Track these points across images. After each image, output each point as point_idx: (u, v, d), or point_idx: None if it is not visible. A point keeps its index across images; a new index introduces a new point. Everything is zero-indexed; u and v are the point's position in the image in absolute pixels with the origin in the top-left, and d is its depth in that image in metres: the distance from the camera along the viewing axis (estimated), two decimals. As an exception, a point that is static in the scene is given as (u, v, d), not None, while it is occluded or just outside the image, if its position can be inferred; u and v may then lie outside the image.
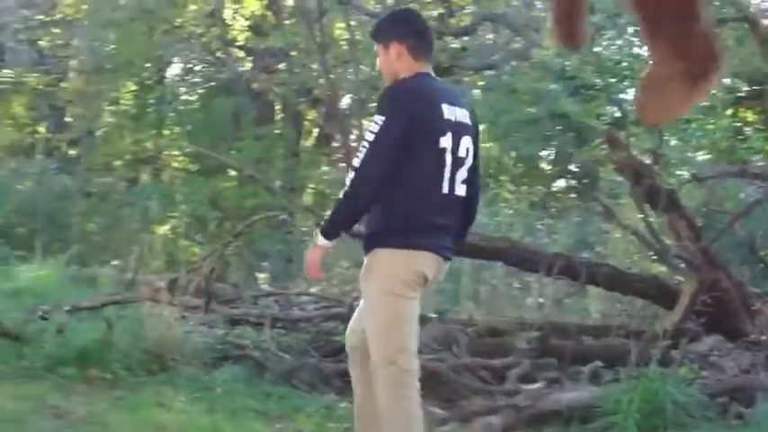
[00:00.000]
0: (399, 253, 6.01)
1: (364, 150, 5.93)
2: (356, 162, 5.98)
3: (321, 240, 6.15)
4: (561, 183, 21.14)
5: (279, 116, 28.14)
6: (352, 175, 5.98)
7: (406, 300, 6.03)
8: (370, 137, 5.94)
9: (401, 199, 6.01)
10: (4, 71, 30.69)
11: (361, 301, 6.35)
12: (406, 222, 6.09)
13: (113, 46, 27.45)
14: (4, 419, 7.30)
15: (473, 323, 11.59)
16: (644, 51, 18.41)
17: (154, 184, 26.83)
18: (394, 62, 6.20)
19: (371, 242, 6.15)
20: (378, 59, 6.42)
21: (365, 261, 6.20)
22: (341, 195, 6.09)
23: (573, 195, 19.79)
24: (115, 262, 16.17)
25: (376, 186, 5.93)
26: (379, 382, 6.00)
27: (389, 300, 5.98)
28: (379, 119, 5.99)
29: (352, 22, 25.49)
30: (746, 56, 15.94)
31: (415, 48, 6.20)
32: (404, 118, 5.94)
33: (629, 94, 17.51)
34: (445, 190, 6.02)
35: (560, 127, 18.11)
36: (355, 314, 6.54)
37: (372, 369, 6.03)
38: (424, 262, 6.02)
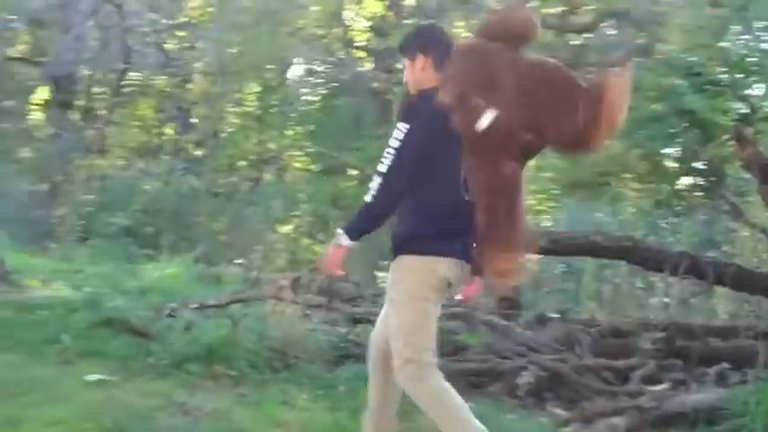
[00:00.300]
0: (427, 259, 6.11)
1: (389, 157, 6.13)
2: (381, 168, 6.14)
3: (344, 240, 6.21)
4: (686, 180, 20.92)
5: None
6: (376, 180, 6.18)
7: (433, 304, 6.16)
8: (395, 144, 6.12)
9: (425, 206, 6.19)
10: (132, 74, 31.05)
11: (386, 305, 6.38)
12: (431, 229, 6.20)
13: (237, 48, 27.65)
14: (133, 415, 7.33)
15: (596, 323, 11.47)
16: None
17: (277, 184, 26.99)
18: (419, 74, 6.36)
19: (399, 249, 6.26)
20: (404, 72, 6.55)
21: (392, 266, 6.30)
22: (366, 199, 6.21)
23: (699, 193, 19.56)
24: (240, 261, 16.23)
25: (398, 197, 6.16)
26: (407, 383, 6.16)
27: (419, 304, 6.11)
28: (404, 127, 6.14)
29: (473, 21, 25.54)
30: None
31: (439, 60, 6.27)
32: (426, 128, 6.08)
33: (757, 90, 17.35)
34: (462, 195, 6.11)
35: (686, 124, 17.89)
36: (380, 318, 6.60)
37: (395, 373, 6.15)
38: (449, 267, 6.13)
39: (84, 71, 32.21)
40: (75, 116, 30.55)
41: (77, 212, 22.10)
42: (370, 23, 28.37)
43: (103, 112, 31.16)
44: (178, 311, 10.49)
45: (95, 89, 32.23)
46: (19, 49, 33.59)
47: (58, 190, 24.99)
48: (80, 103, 31.69)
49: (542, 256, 13.58)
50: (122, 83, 31.12)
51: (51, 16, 31.40)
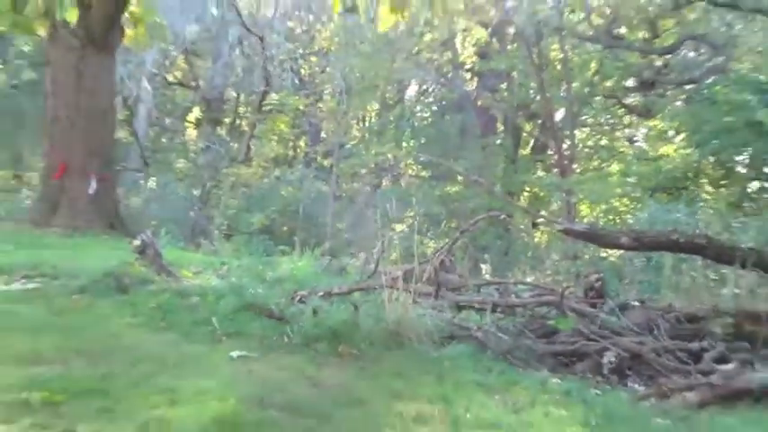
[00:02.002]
0: None
1: None
2: None
3: None
4: (755, 184, 20.64)
5: (500, 129, 28.08)
6: None
7: None
8: None
9: None
10: (271, 95, 31.29)
11: None
12: None
13: (360, 72, 27.75)
14: (270, 387, 7.39)
15: (672, 310, 11.38)
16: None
17: (393, 189, 27.03)
18: None
19: None
20: None
21: None
22: None
23: (766, 196, 19.29)
24: (360, 255, 16.25)
25: None
26: None
27: None
28: None
29: (566, 46, 25.35)
30: None
31: None
32: None
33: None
34: None
35: (755, 134, 17.68)
36: None
37: None
38: None
39: (232, 93, 32.57)
40: (223, 132, 30.88)
41: (224, 214, 22.30)
42: (475, 48, 28.29)
43: (247, 128, 31.46)
44: (308, 298, 10.53)
45: (240, 108, 32.55)
46: (177, 75, 33.97)
47: (208, 195, 25.27)
48: (227, 120, 32.03)
49: (627, 251, 13.52)
50: (263, 103, 31.40)
51: (204, 47, 31.76)
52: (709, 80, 19.12)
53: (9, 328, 8.87)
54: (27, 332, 8.65)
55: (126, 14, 17.10)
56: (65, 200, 17.07)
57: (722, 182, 21.11)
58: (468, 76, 28.73)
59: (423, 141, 29.08)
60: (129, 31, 17.69)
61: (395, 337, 9.52)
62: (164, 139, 32.01)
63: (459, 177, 24.63)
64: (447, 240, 14.57)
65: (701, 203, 19.38)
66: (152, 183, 25.98)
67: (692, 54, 24.63)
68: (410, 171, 28.64)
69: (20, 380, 6.84)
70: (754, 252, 11.73)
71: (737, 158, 19.99)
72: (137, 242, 11.83)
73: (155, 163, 29.13)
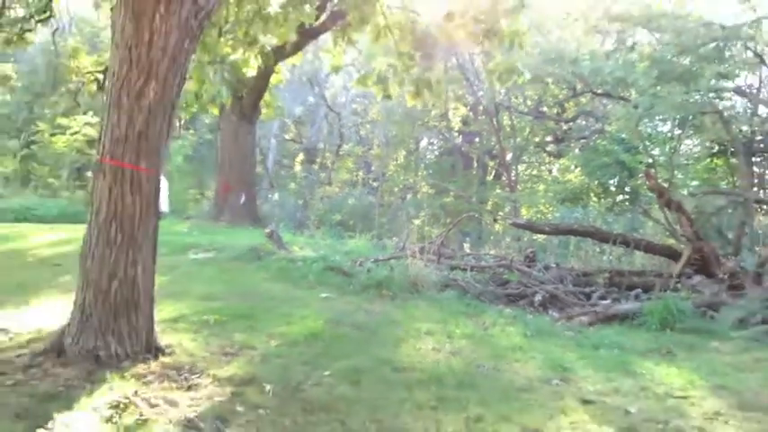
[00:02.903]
0: None
1: None
2: None
3: None
4: (620, 197, 20.50)
5: (475, 165, 27.98)
6: None
7: None
8: None
9: None
10: (344, 146, 31.33)
11: None
12: None
13: (395, 131, 27.85)
14: (342, 312, 7.43)
15: (574, 269, 11.41)
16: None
17: (413, 200, 26.98)
18: None
19: None
20: None
21: None
22: None
23: (627, 204, 19.23)
24: (394, 238, 16.26)
25: None
26: None
27: None
28: None
29: (513, 117, 25.28)
30: (716, 131, 15.39)
31: None
32: None
33: (656, 150, 17.10)
34: None
35: (620, 168, 17.67)
36: None
37: None
38: None
39: (320, 145, 32.62)
40: (316, 167, 30.89)
41: (316, 214, 22.34)
42: (460, 118, 28.22)
43: (329, 165, 31.43)
44: (364, 263, 10.55)
45: (326, 154, 32.54)
46: (290, 135, 34.08)
47: (307, 203, 25.24)
48: (318, 160, 32.06)
49: (549, 235, 13.56)
50: (339, 150, 31.36)
51: (305, 119, 31.86)
52: (594, 137, 19.01)
53: (196, 279, 8.97)
54: (206, 281, 8.75)
55: (262, 102, 17.21)
56: (227, 206, 17.22)
57: (602, 195, 21.00)
58: (456, 134, 28.60)
59: (430, 172, 29.06)
60: (263, 111, 17.82)
61: (414, 286, 9.51)
62: (282, 172, 32.05)
63: (452, 193, 24.53)
64: (444, 229, 14.57)
65: (590, 208, 19.28)
66: (275, 196, 26.04)
67: (583, 122, 24.49)
68: (423, 189, 28.56)
69: (201, 309, 6.94)
70: (621, 235, 11.78)
71: (611, 182, 19.89)
72: (267, 230, 11.90)
73: (277, 185, 29.21)
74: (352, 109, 31.92)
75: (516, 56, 9.72)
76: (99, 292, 4.87)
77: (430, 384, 5.15)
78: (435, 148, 31.19)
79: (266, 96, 17.33)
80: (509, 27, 9.43)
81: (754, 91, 17.60)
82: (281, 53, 13.08)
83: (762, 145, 17.29)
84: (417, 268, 9.98)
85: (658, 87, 14.35)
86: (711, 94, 15.91)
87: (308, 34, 14.54)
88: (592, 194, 21.36)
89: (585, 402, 5.11)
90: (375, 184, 29.52)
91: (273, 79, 16.91)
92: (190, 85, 10.84)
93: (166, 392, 4.41)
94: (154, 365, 4.86)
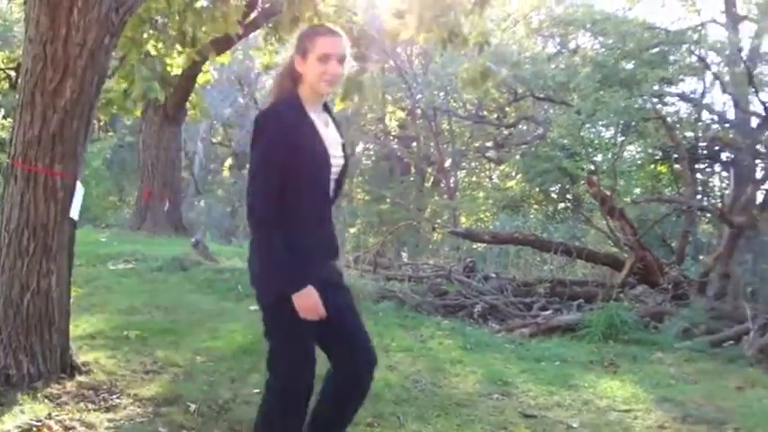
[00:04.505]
0: None
1: None
2: None
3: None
4: (562, 204, 20.89)
5: (413, 171, 28.17)
6: None
7: None
8: None
9: None
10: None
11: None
12: None
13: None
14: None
15: (515, 279, 11.53)
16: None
17: (348, 207, 27.01)
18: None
19: None
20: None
21: None
22: None
23: (569, 211, 19.55)
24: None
25: None
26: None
27: None
28: None
29: (452, 121, 25.50)
30: (660, 137, 15.76)
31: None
32: None
33: (598, 157, 17.41)
34: None
35: (562, 175, 17.97)
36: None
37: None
38: None
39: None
40: (245, 172, 30.71)
41: (245, 222, 22.23)
42: (397, 122, 28.39)
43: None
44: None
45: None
46: (217, 139, 33.82)
47: (235, 211, 25.11)
48: (248, 166, 31.90)
49: (488, 244, 13.70)
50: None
51: (235, 121, 31.60)
52: (536, 143, 19.32)
53: (116, 291, 8.81)
54: (126, 294, 8.59)
55: (188, 102, 17.04)
56: (149, 214, 16.98)
57: (543, 203, 21.33)
58: (393, 138, 28.77)
59: (366, 178, 29.14)
60: (189, 112, 17.64)
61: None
62: (209, 177, 31.79)
63: (388, 200, 24.65)
64: (381, 238, 14.62)
65: (531, 216, 19.57)
66: (202, 203, 25.81)
67: (525, 127, 24.89)
68: (358, 196, 28.63)
69: (121, 323, 6.82)
70: (562, 244, 11.97)
71: (552, 189, 20.23)
72: (192, 240, 11.79)
73: (204, 192, 28.94)
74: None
75: (483, 58, 9.67)
76: (9, 306, 4.74)
77: (366, 401, 5.16)
78: (371, 153, 31.29)
79: (193, 97, 17.14)
80: (474, 27, 9.40)
81: (698, 96, 18.11)
82: (218, 48, 12.92)
83: (706, 151, 17.79)
84: (352, 279, 9.99)
85: (601, 92, 14.66)
86: (655, 100, 16.33)
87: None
88: (533, 202, 21.67)
89: (527, 417, 5.19)
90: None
91: (201, 79, 16.72)
92: (113, 83, 10.70)
93: (83, 414, 4.33)
94: (69, 385, 4.75)
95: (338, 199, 3.43)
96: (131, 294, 8.63)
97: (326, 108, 3.34)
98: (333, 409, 3.45)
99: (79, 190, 4.83)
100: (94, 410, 4.42)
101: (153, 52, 10.02)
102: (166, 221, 16.92)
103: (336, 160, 3.21)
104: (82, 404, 4.48)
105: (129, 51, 9.30)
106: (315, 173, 3.13)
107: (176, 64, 11.50)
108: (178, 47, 10.08)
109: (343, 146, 3.31)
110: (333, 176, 3.22)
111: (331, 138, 3.23)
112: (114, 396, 4.71)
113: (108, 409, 4.47)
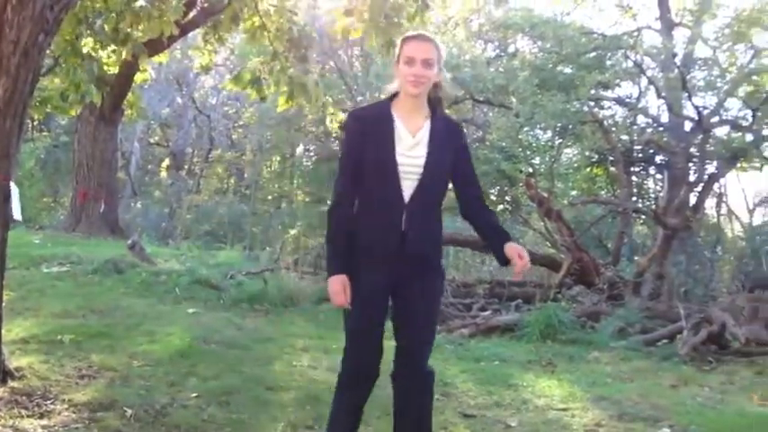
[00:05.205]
0: None
1: None
2: None
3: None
4: (500, 207, 21.07)
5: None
6: None
7: None
8: None
9: None
10: (213, 152, 30.97)
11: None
12: None
13: (269, 137, 27.64)
14: (211, 330, 7.34)
15: (454, 280, 11.61)
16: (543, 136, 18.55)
17: (288, 209, 26.89)
18: None
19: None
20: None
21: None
22: None
23: (508, 212, 19.71)
24: (268, 249, 16.17)
25: None
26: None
27: None
28: None
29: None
30: (596, 140, 15.96)
31: None
32: None
33: (536, 159, 17.58)
34: None
35: (501, 177, 18.08)
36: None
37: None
38: None
39: (189, 150, 32.09)
40: (183, 174, 30.38)
41: (183, 224, 21.97)
42: (338, 124, 28.36)
43: (198, 171, 31.00)
44: (235, 275, 10.47)
45: (195, 159, 32.08)
46: (155, 139, 33.41)
47: (173, 212, 24.86)
48: (186, 166, 31.54)
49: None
50: (208, 156, 30.98)
51: (173, 121, 31.27)
52: (475, 145, 19.42)
53: (49, 294, 8.64)
54: (60, 298, 8.43)
55: (125, 102, 16.77)
56: (84, 215, 16.67)
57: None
58: (334, 140, 28.74)
59: (306, 179, 29.06)
60: (126, 112, 17.37)
61: (289, 299, 9.51)
62: (146, 178, 31.39)
63: (329, 201, 24.62)
64: (321, 239, 14.60)
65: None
66: (139, 205, 25.45)
67: (464, 130, 25.05)
68: (299, 198, 28.51)
69: (55, 327, 6.69)
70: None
71: (491, 191, 20.40)
72: (129, 242, 11.62)
73: (141, 193, 28.55)
74: (223, 112, 31.52)
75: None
76: (-62, 309, 4.63)
77: (305, 403, 5.16)
78: (312, 154, 31.22)
79: (130, 96, 16.87)
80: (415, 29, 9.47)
81: (634, 100, 18.44)
82: (153, 48, 12.73)
83: (641, 155, 18.15)
84: (293, 281, 9.98)
85: (539, 95, 14.81)
86: (592, 103, 16.57)
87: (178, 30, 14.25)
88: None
89: (466, 417, 5.25)
90: (247, 192, 29.26)
91: (138, 78, 16.47)
92: (48, 82, 10.48)
93: (16, 421, 4.24)
94: (2, 391, 4.65)
95: (440, 201, 3.58)
96: (65, 298, 8.47)
97: (435, 112, 3.50)
98: (395, 404, 3.63)
99: (14, 190, 4.73)
100: (28, 416, 4.34)
101: (88, 51, 9.87)
102: (102, 223, 16.63)
103: (410, 160, 3.36)
104: (15, 410, 4.39)
105: (66, 54, 9.14)
106: (380, 170, 3.35)
107: (112, 63, 11.34)
108: (112, 46, 9.95)
109: (434, 151, 3.40)
110: (406, 176, 3.36)
111: (411, 141, 3.39)
112: (48, 402, 4.62)
113: (42, 415, 4.39)
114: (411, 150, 3.37)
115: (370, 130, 3.38)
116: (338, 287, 3.40)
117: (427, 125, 3.44)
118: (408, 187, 3.35)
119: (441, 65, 3.44)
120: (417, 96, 3.40)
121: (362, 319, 3.49)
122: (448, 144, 3.48)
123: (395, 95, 3.49)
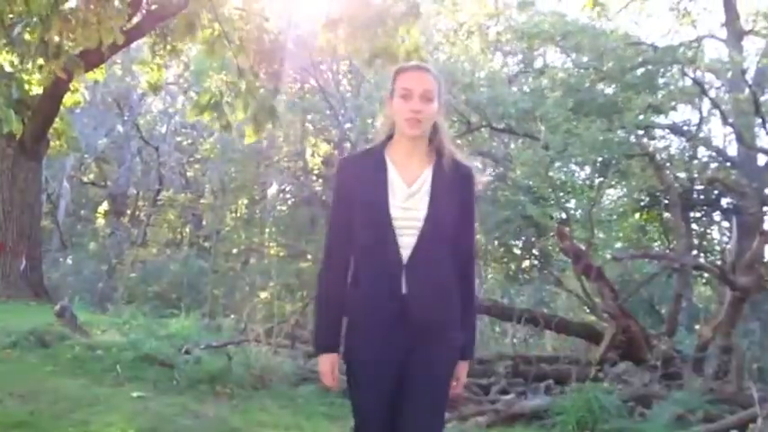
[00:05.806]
0: None
1: None
2: None
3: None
4: (527, 262, 21.15)
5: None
6: None
7: None
8: None
9: None
10: (164, 193, 31.05)
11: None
12: None
13: (233, 174, 27.68)
14: (161, 419, 7.37)
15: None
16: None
17: (258, 265, 26.91)
18: None
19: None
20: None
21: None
22: None
23: (536, 269, 19.76)
24: (232, 316, 16.19)
25: None
26: None
27: None
28: None
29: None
30: (647, 178, 15.91)
31: None
32: None
33: (571, 203, 17.59)
34: None
35: (527, 224, 18.11)
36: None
37: None
38: None
39: (133, 191, 32.20)
40: (125, 221, 30.44)
41: (126, 285, 21.98)
42: (321, 158, 28.50)
43: (144, 218, 31.08)
44: (192, 350, 10.49)
45: (139, 203, 32.18)
46: (90, 177, 33.52)
47: (113, 270, 24.89)
48: (129, 212, 31.62)
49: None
50: (157, 199, 31.07)
51: (111, 155, 31.43)
52: (494, 185, 19.45)
53: (-44, 375, 8.68)
54: (-30, 378, 8.48)
55: (51, 130, 16.83)
56: (1, 274, 16.67)
57: (503, 260, 21.52)
58: (316, 178, 28.87)
59: (281, 228, 29.10)
60: (52, 143, 17.43)
61: (260, 380, 9.52)
62: (79, 227, 31.45)
63: (309, 256, 24.66)
64: (300, 304, 14.63)
65: (489, 276, 19.75)
66: (69, 260, 25.49)
67: (480, 165, 25.19)
68: (272, 252, 28.53)
69: (-36, 416, 6.72)
70: (527, 311, 12.14)
71: (514, 243, 20.44)
72: (57, 307, 11.65)
73: (71, 245, 28.60)
74: (175, 143, 31.70)
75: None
76: None
77: None
78: (289, 196, 31.33)
79: (57, 123, 16.94)
80: (405, 42, 9.63)
81: (694, 128, 18.25)
82: (89, 61, 12.62)
83: (702, 196, 18.07)
84: (264, 357, 10.00)
85: (574, 122, 14.80)
86: (640, 132, 16.50)
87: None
88: (490, 258, 21.79)
89: None
90: (207, 244, 29.30)
91: (68, 100, 16.54)
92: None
93: None
94: None
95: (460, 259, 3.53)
96: (-23, 378, 8.51)
97: (440, 155, 3.51)
98: None
99: None
100: None
101: (8, 68, 9.96)
102: (23, 284, 16.64)
103: (408, 213, 3.37)
104: None
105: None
106: (372, 226, 3.38)
107: (35, 82, 11.40)
108: (39, 61, 10.01)
109: (437, 202, 3.40)
110: (403, 232, 3.36)
111: (406, 191, 3.40)
112: None
113: None
114: (407, 202, 3.37)
115: (361, 180, 3.42)
116: (326, 368, 3.59)
117: (428, 171, 3.45)
118: (407, 245, 3.34)
119: (441, 101, 3.48)
120: (416, 138, 3.45)
121: (363, 410, 3.64)
122: (455, 194, 3.48)
123: (391, 137, 3.53)
